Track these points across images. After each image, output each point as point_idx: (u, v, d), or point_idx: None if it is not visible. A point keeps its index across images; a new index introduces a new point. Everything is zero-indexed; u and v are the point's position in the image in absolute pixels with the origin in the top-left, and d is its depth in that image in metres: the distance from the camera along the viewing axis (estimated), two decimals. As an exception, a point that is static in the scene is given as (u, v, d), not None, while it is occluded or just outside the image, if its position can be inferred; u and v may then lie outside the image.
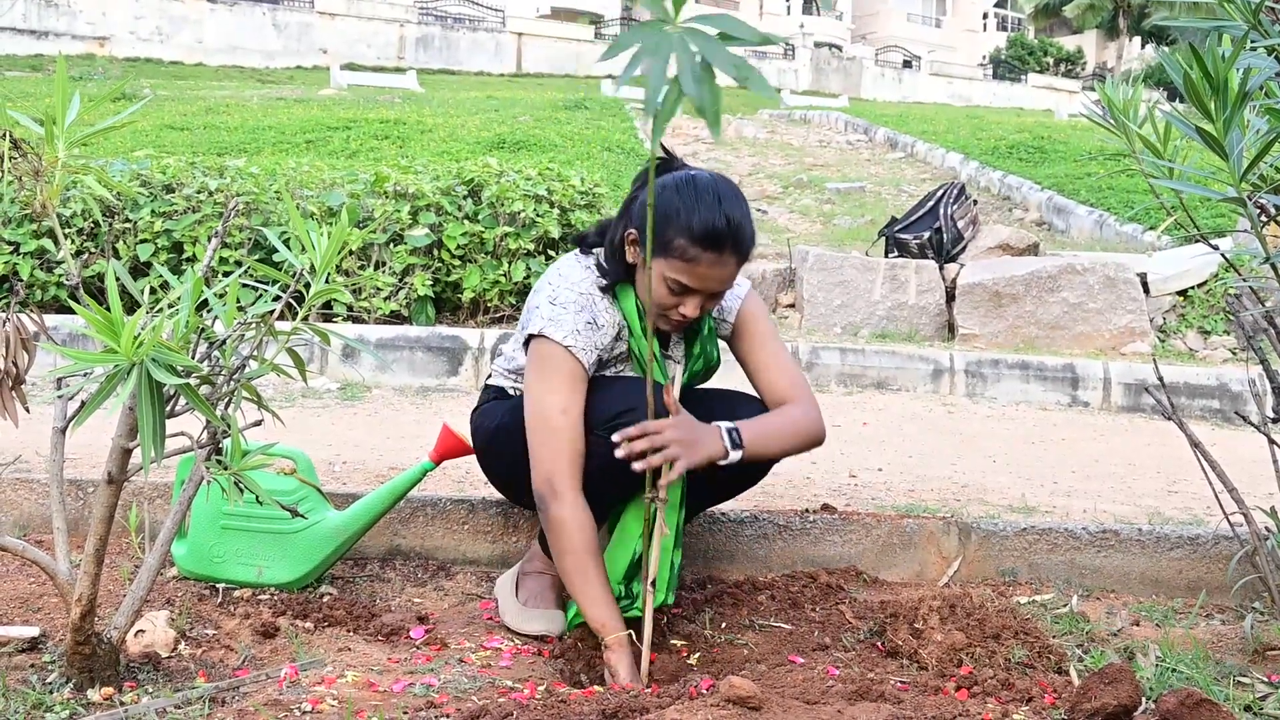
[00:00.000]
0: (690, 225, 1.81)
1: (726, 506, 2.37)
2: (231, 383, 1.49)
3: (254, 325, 1.52)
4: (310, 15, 25.48)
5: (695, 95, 1.07)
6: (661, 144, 2.09)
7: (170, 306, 1.43)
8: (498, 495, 2.29)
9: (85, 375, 1.39)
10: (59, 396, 1.57)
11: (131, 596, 1.59)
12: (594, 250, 2.00)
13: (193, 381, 1.41)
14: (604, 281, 1.95)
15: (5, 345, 1.48)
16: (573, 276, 1.95)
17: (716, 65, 1.08)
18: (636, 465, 1.78)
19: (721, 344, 2.11)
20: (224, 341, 1.50)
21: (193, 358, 1.45)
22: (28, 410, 1.52)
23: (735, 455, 1.87)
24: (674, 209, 1.82)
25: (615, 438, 1.79)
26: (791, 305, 5.96)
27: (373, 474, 2.74)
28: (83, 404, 1.37)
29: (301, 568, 2.08)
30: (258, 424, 1.55)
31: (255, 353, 1.52)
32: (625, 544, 1.94)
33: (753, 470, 2.07)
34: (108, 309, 1.31)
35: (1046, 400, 4.75)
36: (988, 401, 4.71)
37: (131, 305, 1.34)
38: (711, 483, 2.04)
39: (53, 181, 1.49)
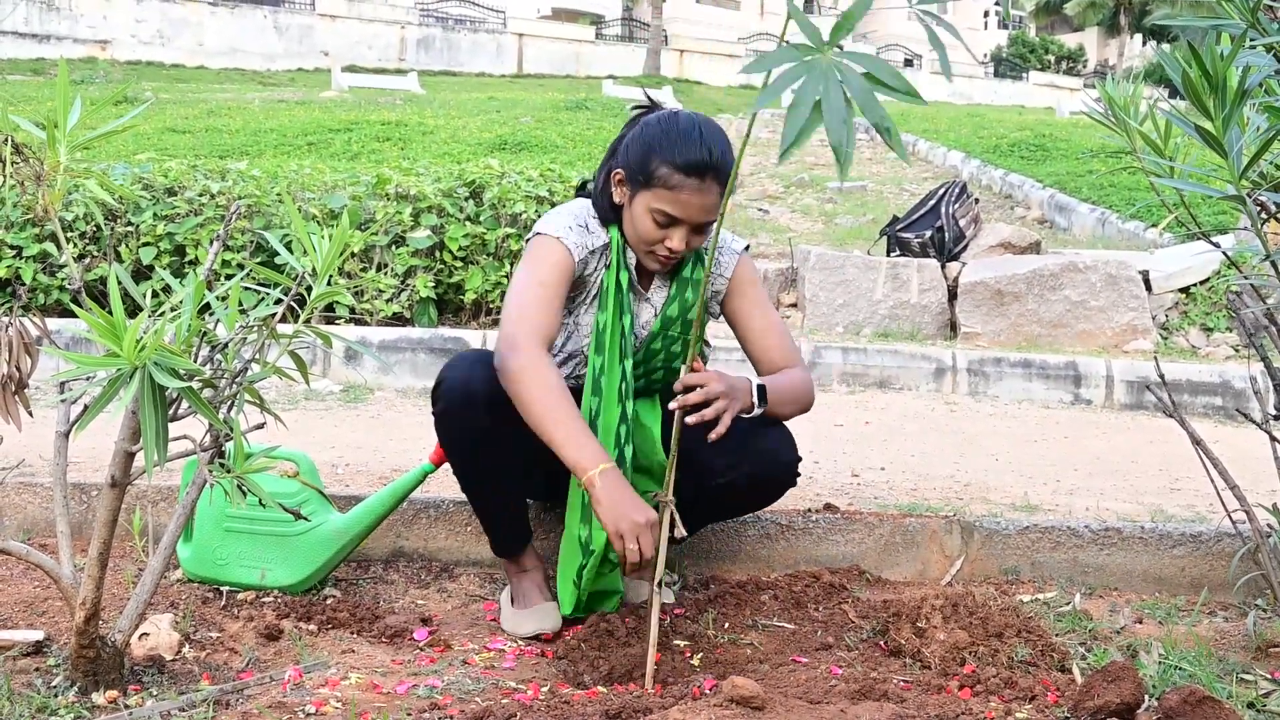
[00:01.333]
0: (673, 155, 1.87)
1: (729, 506, 2.37)
2: (234, 386, 1.50)
3: (256, 328, 1.52)
4: (311, 17, 25.51)
5: (837, 135, 1.03)
6: (645, 91, 2.16)
7: (172, 310, 1.43)
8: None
9: (88, 379, 1.40)
10: (62, 400, 1.57)
11: (135, 600, 1.59)
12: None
13: (195, 385, 1.41)
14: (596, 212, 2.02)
15: (8, 349, 1.48)
16: (571, 203, 2.05)
17: (864, 110, 1.04)
18: (690, 419, 1.81)
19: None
20: (226, 344, 1.51)
21: (195, 361, 1.45)
22: (31, 414, 1.52)
23: (758, 411, 1.94)
24: (657, 141, 1.89)
25: (673, 406, 1.81)
26: (794, 305, 5.96)
27: (375, 476, 2.74)
28: (85, 408, 1.37)
29: (304, 570, 2.08)
30: (260, 427, 1.55)
31: (257, 355, 1.52)
32: (572, 544, 1.94)
33: (774, 486, 2.09)
34: (110, 313, 1.31)
35: (1049, 398, 4.75)
36: (990, 400, 4.71)
37: (134, 309, 1.34)
38: (736, 495, 2.08)
39: (55, 186, 1.49)
